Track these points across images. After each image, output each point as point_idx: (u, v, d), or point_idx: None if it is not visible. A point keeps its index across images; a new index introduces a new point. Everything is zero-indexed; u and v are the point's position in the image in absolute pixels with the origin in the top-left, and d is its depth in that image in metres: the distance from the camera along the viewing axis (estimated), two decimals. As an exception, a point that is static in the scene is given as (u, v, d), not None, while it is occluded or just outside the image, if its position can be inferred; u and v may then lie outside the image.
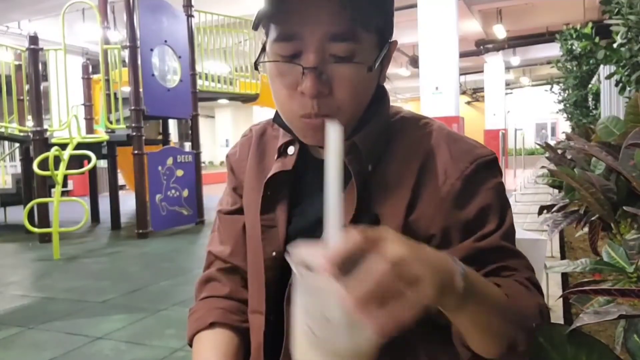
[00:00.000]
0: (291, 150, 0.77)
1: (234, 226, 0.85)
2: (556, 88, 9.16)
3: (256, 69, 0.73)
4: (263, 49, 0.70)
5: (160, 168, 5.62)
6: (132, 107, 5.48)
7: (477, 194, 0.70)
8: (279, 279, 0.75)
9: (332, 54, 0.65)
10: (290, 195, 0.77)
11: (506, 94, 18.61)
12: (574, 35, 7.50)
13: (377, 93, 0.75)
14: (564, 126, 14.67)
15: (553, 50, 11.53)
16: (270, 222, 0.77)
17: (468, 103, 24.72)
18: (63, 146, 5.31)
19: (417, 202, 0.69)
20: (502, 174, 0.75)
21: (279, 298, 0.74)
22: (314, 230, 0.71)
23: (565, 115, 9.23)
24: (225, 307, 0.81)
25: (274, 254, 0.76)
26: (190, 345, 0.81)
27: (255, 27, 0.68)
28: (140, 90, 5.46)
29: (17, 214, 6.28)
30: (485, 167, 0.72)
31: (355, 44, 0.65)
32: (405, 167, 0.71)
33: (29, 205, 5.25)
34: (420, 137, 0.73)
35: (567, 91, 8.64)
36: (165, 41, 5.71)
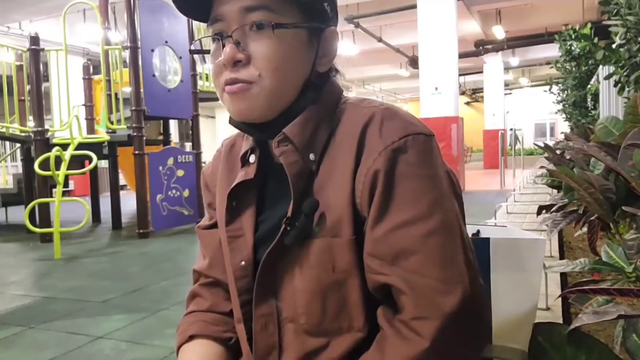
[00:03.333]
0: (252, 158, 0.77)
1: (212, 240, 0.86)
2: (555, 88, 9.16)
3: (191, 53, 0.76)
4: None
5: (161, 168, 5.62)
6: (133, 108, 5.48)
7: (402, 175, 0.65)
8: (251, 288, 0.75)
9: (251, 26, 0.68)
10: (256, 204, 0.77)
11: (505, 94, 18.59)
12: (573, 36, 7.51)
13: (320, 81, 0.75)
14: (563, 126, 14.67)
15: (552, 50, 11.52)
16: (236, 232, 0.77)
17: (467, 103, 24.71)
18: (64, 146, 5.32)
19: (356, 187, 0.67)
20: (442, 161, 0.69)
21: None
22: (275, 233, 0.71)
23: (564, 115, 9.24)
24: (206, 319, 0.82)
25: (242, 263, 0.76)
26: None
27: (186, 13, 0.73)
28: (141, 90, 5.46)
29: (19, 214, 6.28)
30: (418, 146, 0.66)
31: (271, 14, 0.68)
32: (346, 151, 0.69)
33: (30, 205, 5.26)
34: (359, 118, 0.70)
35: (566, 91, 8.65)
36: (166, 42, 5.71)
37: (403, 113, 0.71)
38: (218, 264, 0.84)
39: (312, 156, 0.70)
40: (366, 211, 0.67)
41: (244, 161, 0.78)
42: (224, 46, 0.69)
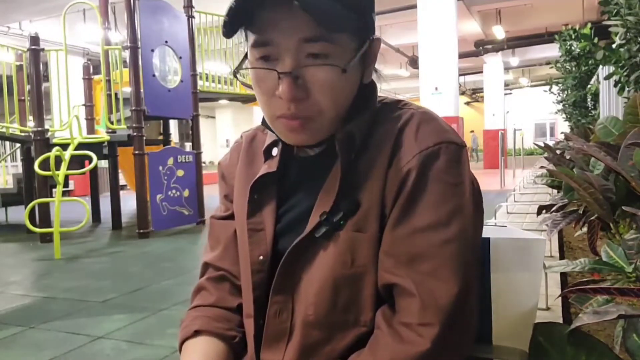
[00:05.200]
0: (275, 151, 0.78)
1: (226, 230, 0.85)
2: (555, 88, 9.15)
3: (235, 76, 0.73)
4: (245, 56, 0.72)
5: (161, 168, 5.63)
6: (133, 108, 5.48)
7: (431, 180, 0.67)
8: (267, 283, 0.75)
9: (307, 56, 0.66)
10: (277, 197, 0.77)
11: (505, 94, 18.60)
12: (573, 36, 7.52)
13: (366, 90, 0.75)
14: (563, 126, 14.67)
15: (552, 50, 11.54)
16: (257, 225, 0.77)
17: (467, 103, 24.75)
18: (64, 146, 5.32)
19: (387, 186, 0.69)
20: (470, 174, 0.71)
21: (267, 302, 0.74)
22: (299, 224, 0.72)
23: (564, 115, 9.24)
24: (211, 315, 0.81)
25: (260, 257, 0.75)
26: None
27: (228, 35, 0.68)
28: (141, 90, 5.47)
29: (19, 214, 6.28)
30: (450, 155, 0.68)
31: (329, 45, 0.66)
32: (381, 151, 0.70)
33: (30, 205, 5.26)
34: (395, 119, 0.72)
35: (566, 92, 8.64)
36: (166, 42, 5.71)
37: (439, 119, 0.72)
38: (229, 256, 0.83)
39: (353, 155, 0.72)
40: (390, 210, 0.68)
41: (267, 155, 0.79)
42: (279, 78, 0.66)
